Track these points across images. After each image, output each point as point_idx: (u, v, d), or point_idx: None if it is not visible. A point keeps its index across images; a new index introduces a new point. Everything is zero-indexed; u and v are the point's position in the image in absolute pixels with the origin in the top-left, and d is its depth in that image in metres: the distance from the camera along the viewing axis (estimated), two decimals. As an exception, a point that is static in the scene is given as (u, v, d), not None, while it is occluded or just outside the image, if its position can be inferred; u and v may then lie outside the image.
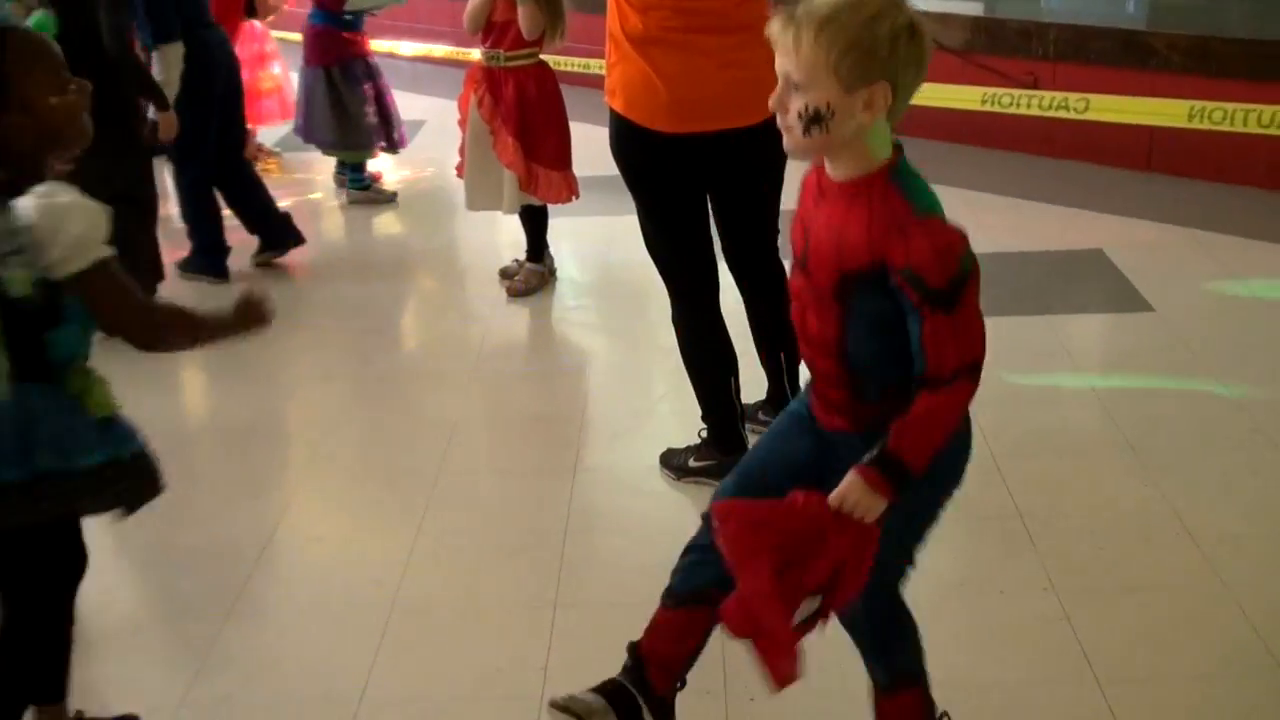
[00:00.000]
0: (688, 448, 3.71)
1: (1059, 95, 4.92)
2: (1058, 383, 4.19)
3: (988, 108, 5.18)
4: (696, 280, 3.48)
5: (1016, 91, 5.20)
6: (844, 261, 2.05)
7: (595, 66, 6.69)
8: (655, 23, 3.21)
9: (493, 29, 4.95)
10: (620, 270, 5.55)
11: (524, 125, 4.97)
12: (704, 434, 3.68)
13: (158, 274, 5.00)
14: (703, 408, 3.62)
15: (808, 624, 2.13)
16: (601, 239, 5.90)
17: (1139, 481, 3.59)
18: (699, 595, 2.43)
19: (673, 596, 2.51)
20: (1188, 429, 3.90)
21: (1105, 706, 2.71)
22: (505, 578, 3.28)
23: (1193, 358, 4.33)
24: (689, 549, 2.50)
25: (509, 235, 5.58)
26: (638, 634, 3.00)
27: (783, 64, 2.03)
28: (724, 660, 2.86)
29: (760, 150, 3.38)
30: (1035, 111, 4.91)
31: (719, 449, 3.61)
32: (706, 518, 2.35)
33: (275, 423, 4.34)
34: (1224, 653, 2.88)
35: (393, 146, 6.49)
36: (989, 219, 5.65)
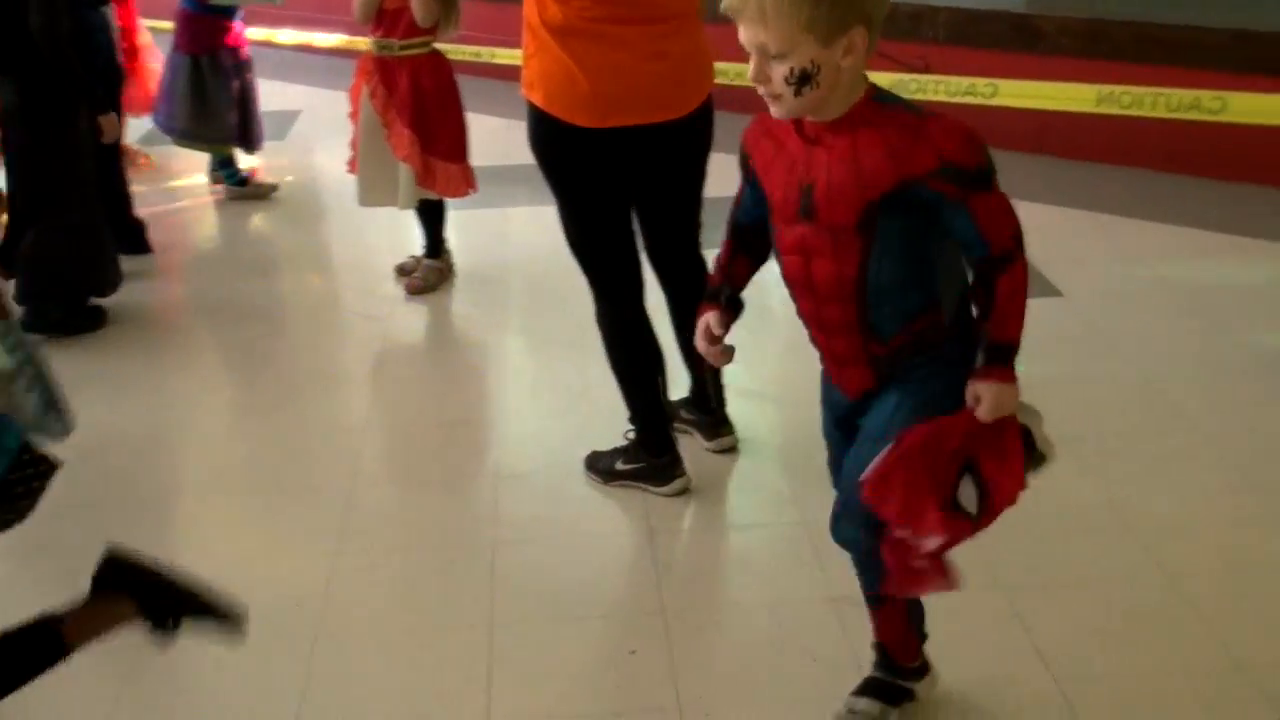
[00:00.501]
0: (614, 450, 3.58)
1: (966, 80, 4.87)
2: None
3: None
4: (622, 278, 3.34)
5: (924, 77, 5.15)
6: (867, 190, 2.07)
7: (487, 55, 6.55)
8: (575, 12, 3.04)
9: (384, 17, 4.73)
10: (522, 264, 5.39)
11: (420, 117, 4.77)
12: (631, 436, 3.55)
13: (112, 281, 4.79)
14: (630, 409, 3.49)
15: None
16: (499, 232, 5.73)
17: (1072, 472, 3.53)
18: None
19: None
20: (1113, 416, 3.88)
21: (1067, 705, 2.65)
22: (436, 597, 3.11)
23: (1108, 343, 4.32)
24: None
25: (402, 230, 5.38)
26: (584, 652, 2.90)
27: (752, 36, 2.04)
28: (675, 678, 2.76)
29: (685, 144, 3.28)
30: (942, 97, 4.87)
31: (648, 451, 3.49)
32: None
33: (165, 438, 4.06)
34: (1177, 647, 2.84)
35: (249, 146, 6.21)
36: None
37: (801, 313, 2.31)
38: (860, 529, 2.28)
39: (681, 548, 3.30)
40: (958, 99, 4.87)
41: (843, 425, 2.37)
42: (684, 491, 3.49)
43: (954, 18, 6.59)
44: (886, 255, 2.12)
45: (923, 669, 2.64)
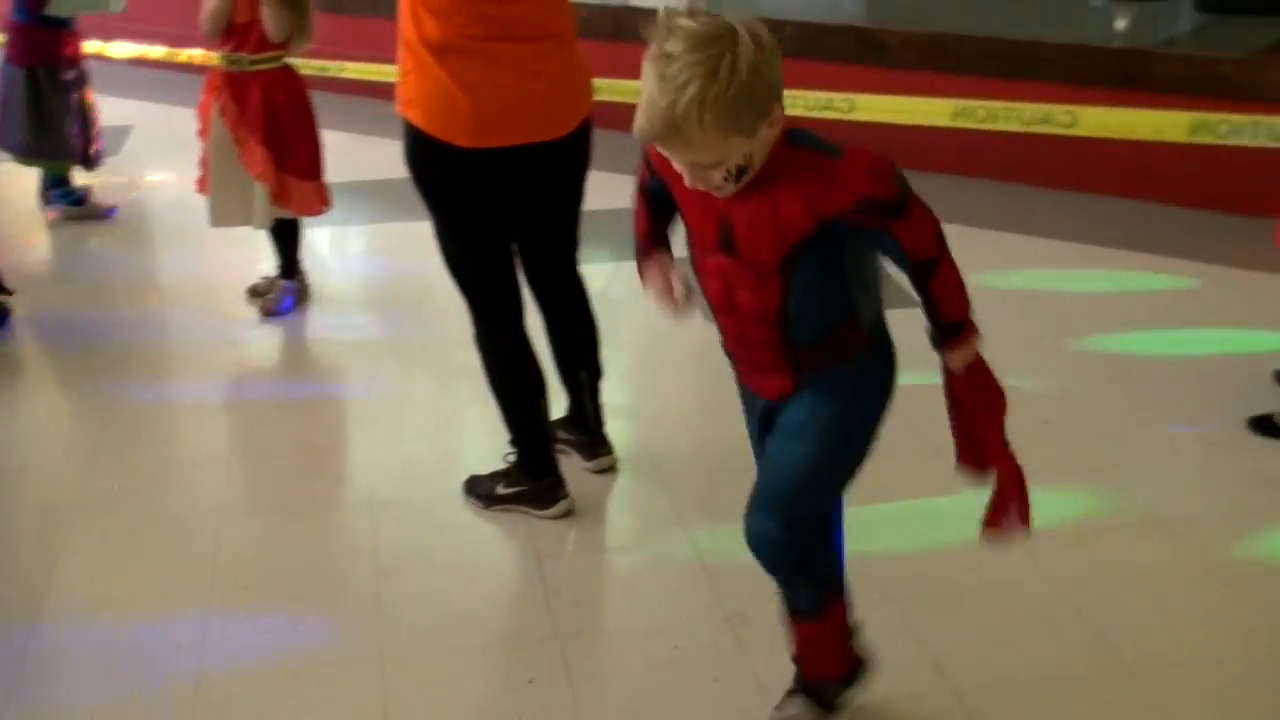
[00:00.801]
0: (494, 474, 3.51)
1: (823, 95, 4.92)
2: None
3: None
4: (502, 299, 3.28)
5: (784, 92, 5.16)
6: (788, 236, 2.10)
7: (335, 70, 6.40)
8: (455, 30, 2.97)
9: (234, 31, 4.58)
10: (380, 283, 5.28)
11: (274, 133, 4.63)
12: (510, 458, 3.49)
13: None
14: (512, 432, 3.42)
15: None
16: (355, 250, 5.61)
17: (948, 483, 3.59)
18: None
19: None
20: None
21: (967, 716, 2.68)
22: (323, 634, 3.00)
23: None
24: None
25: (251, 250, 5.22)
26: (482, 683, 2.84)
27: (681, 157, 2.05)
28: (575, 705, 2.71)
29: (565, 163, 3.24)
30: (800, 112, 4.90)
31: (530, 474, 3.43)
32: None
33: (16, 472, 3.86)
34: (1068, 652, 2.90)
35: (89, 163, 5.94)
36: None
37: (722, 329, 2.33)
38: (773, 521, 2.34)
39: (570, 571, 3.24)
40: (815, 114, 4.91)
41: (765, 423, 2.40)
42: (568, 514, 3.45)
43: (800, 31, 6.65)
44: (808, 284, 2.17)
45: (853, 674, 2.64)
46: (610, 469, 3.68)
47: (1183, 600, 3.11)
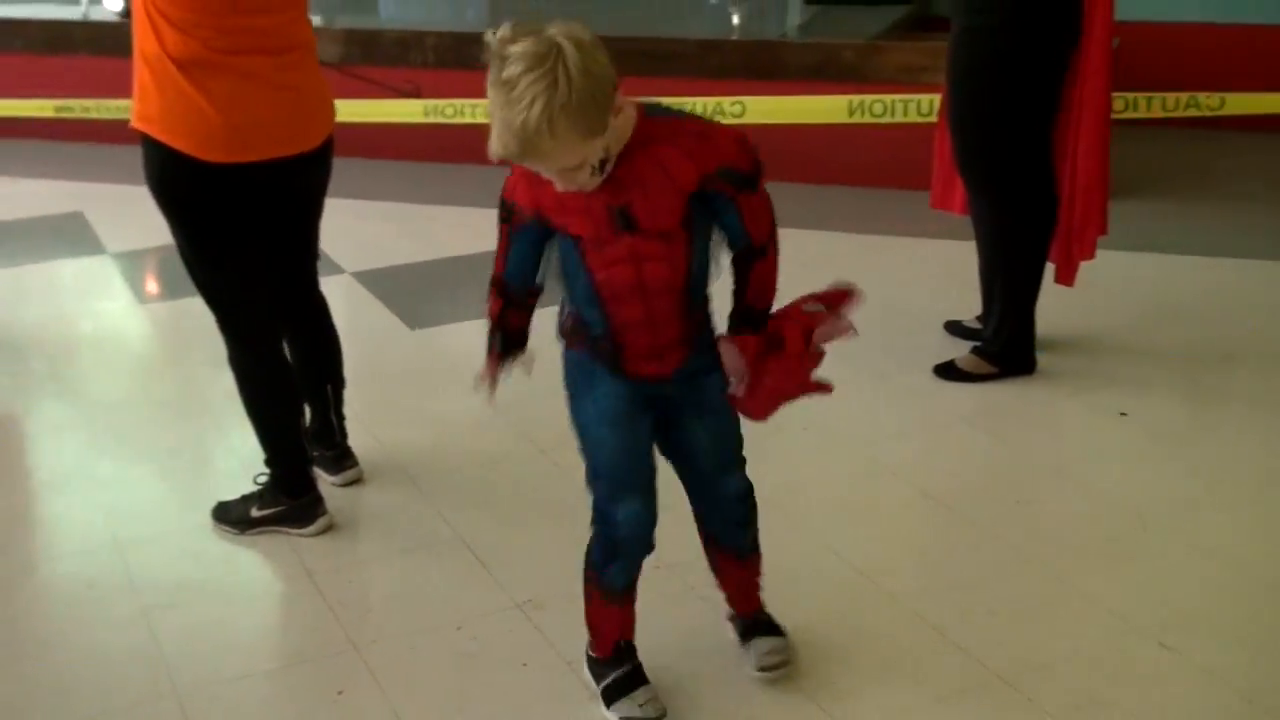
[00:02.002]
0: (246, 497, 3.42)
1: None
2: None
3: (433, 119, 5.15)
4: (260, 318, 3.21)
5: (460, 101, 5.20)
6: (684, 187, 2.26)
7: None
8: (200, 43, 2.91)
9: None
10: (47, 323, 4.99)
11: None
12: (261, 480, 3.41)
13: None
14: (268, 452, 3.35)
15: None
16: (10, 293, 5.28)
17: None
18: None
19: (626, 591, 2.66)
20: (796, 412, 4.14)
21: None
22: (103, 679, 2.85)
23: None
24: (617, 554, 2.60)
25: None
26: (289, 703, 2.81)
27: (545, 167, 2.17)
28: (394, 709, 2.71)
29: (313, 177, 3.23)
30: (480, 119, 4.98)
31: (287, 493, 3.37)
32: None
33: None
34: (877, 617, 3.11)
35: None
36: (425, 228, 5.69)
37: (623, 319, 2.40)
38: (742, 474, 2.65)
39: (349, 583, 3.21)
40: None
41: (655, 404, 2.51)
42: (328, 529, 3.40)
43: (443, 41, 6.73)
44: (699, 246, 2.35)
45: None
46: (357, 480, 3.65)
47: (924, 530, 3.40)
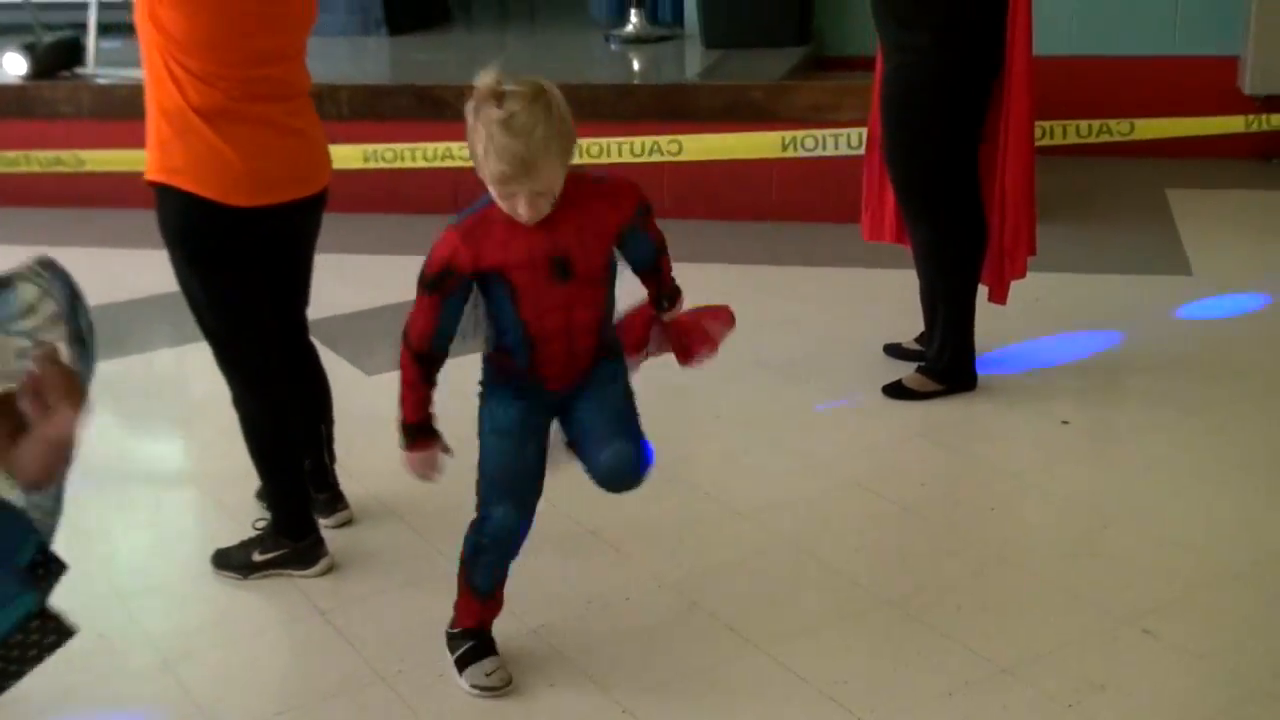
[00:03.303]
0: (246, 543, 3.47)
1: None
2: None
3: (371, 165, 5.23)
4: (265, 361, 3.29)
5: (400, 146, 5.29)
6: (610, 237, 2.72)
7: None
8: (222, 94, 3.04)
9: None
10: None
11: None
12: (260, 525, 3.47)
13: None
14: (273, 496, 3.42)
15: None
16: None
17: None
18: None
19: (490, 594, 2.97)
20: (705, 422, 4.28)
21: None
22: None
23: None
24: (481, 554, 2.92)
25: None
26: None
27: (530, 189, 2.51)
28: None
29: (314, 220, 3.36)
30: (420, 164, 5.08)
31: (289, 536, 3.42)
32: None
33: None
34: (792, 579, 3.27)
35: None
36: (359, 275, 5.76)
37: (548, 355, 2.74)
38: (640, 444, 2.87)
39: (362, 619, 3.27)
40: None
41: (555, 411, 2.86)
42: (330, 569, 3.47)
43: (357, 94, 6.81)
44: (611, 288, 2.78)
45: None
46: (349, 522, 3.72)
47: (906, 538, 3.59)
